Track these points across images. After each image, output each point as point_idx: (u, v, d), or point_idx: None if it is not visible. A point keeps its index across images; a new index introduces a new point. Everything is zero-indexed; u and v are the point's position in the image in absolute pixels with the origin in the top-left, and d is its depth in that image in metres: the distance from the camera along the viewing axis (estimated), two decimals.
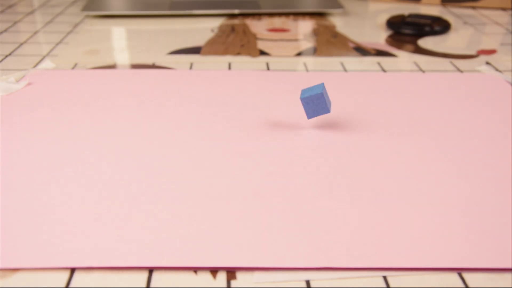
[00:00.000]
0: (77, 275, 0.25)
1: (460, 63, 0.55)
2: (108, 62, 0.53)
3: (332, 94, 0.46)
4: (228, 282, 0.25)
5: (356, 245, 0.27)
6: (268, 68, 0.52)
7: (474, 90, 0.47)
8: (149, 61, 0.54)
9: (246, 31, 0.65)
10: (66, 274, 0.25)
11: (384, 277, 0.25)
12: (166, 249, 0.27)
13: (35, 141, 0.37)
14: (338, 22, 0.70)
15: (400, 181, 0.33)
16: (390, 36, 0.64)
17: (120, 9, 0.71)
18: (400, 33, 0.65)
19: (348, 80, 0.49)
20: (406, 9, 0.76)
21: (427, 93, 0.46)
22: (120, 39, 0.61)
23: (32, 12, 0.73)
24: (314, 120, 0.41)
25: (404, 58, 0.56)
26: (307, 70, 0.52)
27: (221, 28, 0.66)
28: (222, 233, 0.28)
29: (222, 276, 0.25)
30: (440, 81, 0.49)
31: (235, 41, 0.61)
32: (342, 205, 0.30)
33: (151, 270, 0.26)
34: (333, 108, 0.43)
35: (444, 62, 0.55)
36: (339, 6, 0.73)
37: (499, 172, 0.34)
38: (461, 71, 0.52)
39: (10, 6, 0.76)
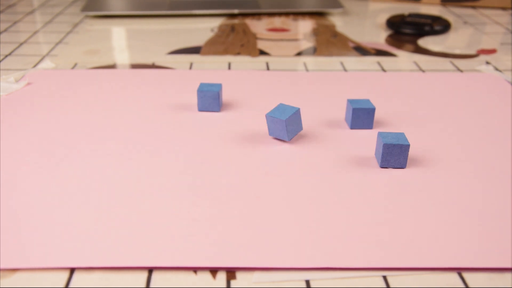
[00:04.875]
0: (76, 275, 0.25)
1: (460, 62, 0.55)
2: (108, 62, 0.53)
3: (332, 94, 0.46)
4: (228, 282, 0.25)
5: (356, 245, 0.27)
6: (268, 68, 0.52)
7: (474, 89, 0.47)
8: (149, 61, 0.54)
9: (246, 30, 0.65)
10: (66, 274, 0.25)
11: (384, 277, 0.25)
12: (165, 249, 0.27)
13: (35, 141, 0.37)
14: (338, 21, 0.70)
15: (399, 181, 0.33)
16: (390, 36, 0.64)
17: (120, 9, 0.71)
18: (400, 32, 0.65)
19: (348, 80, 0.49)
20: (406, 9, 0.76)
21: (427, 93, 0.46)
22: (120, 39, 0.61)
23: (32, 12, 0.73)
24: (313, 120, 0.41)
25: (404, 57, 0.56)
26: (307, 70, 0.52)
27: (221, 28, 0.66)
28: (221, 233, 0.28)
29: (221, 276, 0.25)
30: (440, 81, 0.49)
31: (235, 41, 0.61)
32: (341, 205, 0.30)
33: (150, 270, 0.26)
34: (333, 108, 0.43)
35: (444, 62, 0.55)
36: (339, 5, 0.73)
37: (499, 172, 0.34)
38: (461, 71, 0.52)
39: (10, 6, 0.76)
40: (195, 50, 0.57)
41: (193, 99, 0.44)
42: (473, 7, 0.77)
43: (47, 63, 0.52)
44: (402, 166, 0.34)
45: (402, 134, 0.34)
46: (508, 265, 0.26)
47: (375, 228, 0.28)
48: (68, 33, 0.63)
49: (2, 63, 0.53)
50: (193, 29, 0.65)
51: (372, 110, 0.38)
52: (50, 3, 0.79)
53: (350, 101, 0.39)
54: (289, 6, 0.74)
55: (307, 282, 0.25)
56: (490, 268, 0.26)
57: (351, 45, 0.60)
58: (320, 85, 0.48)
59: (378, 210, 0.30)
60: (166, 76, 0.49)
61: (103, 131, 0.38)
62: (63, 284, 0.25)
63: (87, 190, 0.31)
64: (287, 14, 0.73)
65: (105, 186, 0.32)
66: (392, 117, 0.42)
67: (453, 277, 0.25)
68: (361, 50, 0.58)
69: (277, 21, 0.69)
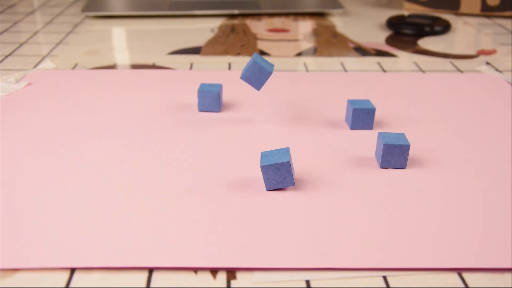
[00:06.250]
0: (77, 275, 0.25)
1: (460, 63, 0.55)
2: (108, 62, 0.53)
3: (332, 95, 0.46)
4: (228, 282, 0.25)
5: (356, 245, 0.27)
6: None
7: (474, 90, 0.47)
8: (149, 61, 0.54)
9: (246, 31, 0.65)
10: (66, 274, 0.25)
11: (384, 277, 0.25)
12: (166, 249, 0.27)
13: (35, 141, 0.37)
14: (338, 22, 0.70)
15: (399, 181, 0.33)
16: (390, 36, 0.64)
17: (120, 9, 0.71)
18: (400, 33, 0.65)
19: (348, 80, 0.49)
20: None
21: (427, 94, 0.46)
22: (120, 39, 0.61)
23: (32, 12, 0.73)
24: (313, 121, 0.41)
25: (404, 58, 0.56)
26: (307, 70, 0.52)
27: (221, 28, 0.66)
28: (222, 233, 0.28)
29: (222, 276, 0.25)
30: (440, 81, 0.49)
31: (235, 41, 0.61)
32: (341, 205, 0.30)
33: (151, 270, 0.26)
34: (333, 108, 0.43)
35: (444, 62, 0.55)
36: (339, 6, 0.73)
37: (499, 172, 0.34)
38: (461, 71, 0.52)
39: (10, 6, 0.76)
40: (195, 51, 0.57)
41: (193, 99, 0.44)
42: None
43: (47, 64, 0.52)
44: (402, 166, 0.34)
45: (402, 135, 0.34)
46: (508, 265, 0.26)
47: (375, 228, 0.28)
48: (69, 33, 0.63)
49: (2, 63, 0.53)
50: (193, 29, 0.65)
51: (372, 110, 0.39)
52: (51, 3, 0.79)
53: (350, 102, 0.39)
54: (289, 6, 0.74)
55: (307, 282, 0.25)
56: (490, 268, 0.26)
57: (351, 45, 0.60)
58: (320, 86, 0.48)
59: (378, 210, 0.30)
60: (166, 76, 0.49)
61: (103, 131, 0.38)
62: (63, 284, 0.25)
63: (87, 190, 0.31)
64: (287, 14, 0.73)
65: (105, 186, 0.32)
66: (392, 117, 0.42)
67: (453, 277, 0.25)
68: (361, 51, 0.58)
69: (277, 22, 0.69)
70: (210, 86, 0.41)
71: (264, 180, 0.31)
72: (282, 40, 0.61)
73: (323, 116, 0.42)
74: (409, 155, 0.36)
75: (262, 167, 0.31)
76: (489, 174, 0.34)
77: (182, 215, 0.29)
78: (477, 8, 0.73)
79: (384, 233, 0.28)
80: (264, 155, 0.32)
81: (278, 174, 0.31)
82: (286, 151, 0.32)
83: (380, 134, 0.34)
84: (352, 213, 0.30)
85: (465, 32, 0.65)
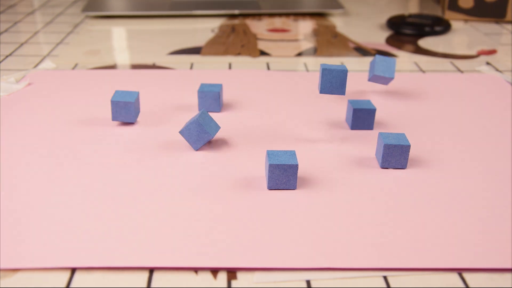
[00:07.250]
0: (77, 275, 0.25)
1: (460, 63, 0.55)
2: (108, 62, 0.53)
3: (332, 95, 0.46)
4: (229, 282, 0.25)
5: (356, 245, 0.27)
6: (268, 68, 0.52)
7: (474, 90, 0.47)
8: (149, 61, 0.54)
9: (246, 31, 0.65)
10: (67, 274, 0.25)
11: (384, 277, 0.25)
12: (166, 249, 0.27)
13: (35, 141, 0.37)
14: (338, 22, 0.70)
15: (399, 182, 0.33)
16: (390, 36, 0.64)
17: (120, 9, 0.71)
18: (400, 33, 0.65)
19: (348, 80, 0.49)
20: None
21: (427, 94, 0.46)
22: (120, 39, 0.61)
23: (32, 12, 0.73)
24: (313, 121, 0.41)
25: (404, 58, 0.56)
26: (307, 70, 0.52)
27: (221, 28, 0.66)
28: (222, 233, 0.28)
29: (222, 276, 0.25)
30: (440, 81, 0.49)
31: (236, 41, 0.61)
32: (342, 205, 0.30)
33: (151, 270, 0.26)
34: (334, 108, 0.43)
35: (444, 62, 0.55)
36: (339, 6, 0.73)
37: (499, 172, 0.34)
38: (461, 71, 0.52)
39: (11, 6, 0.76)
40: (195, 51, 0.57)
41: (193, 99, 0.44)
42: None
43: (47, 64, 0.52)
44: (402, 166, 0.34)
45: (402, 135, 0.34)
46: (508, 266, 0.26)
47: (376, 228, 0.28)
48: (69, 33, 0.63)
49: (2, 63, 0.53)
50: (193, 29, 0.65)
51: (373, 110, 0.39)
52: (51, 3, 0.79)
53: (351, 102, 0.39)
54: (289, 6, 0.74)
55: (308, 282, 0.25)
56: (490, 268, 0.26)
57: (352, 45, 0.60)
58: None
59: (378, 210, 0.30)
60: (166, 76, 0.49)
61: (103, 131, 0.39)
62: (64, 284, 0.25)
63: (88, 190, 0.31)
64: (287, 14, 0.73)
65: (106, 186, 0.32)
66: (392, 117, 0.42)
67: (454, 277, 0.25)
68: (362, 51, 0.58)
69: (278, 22, 0.69)
70: (210, 86, 0.41)
71: (268, 178, 0.31)
72: (282, 40, 0.61)
73: (323, 116, 0.42)
74: (409, 155, 0.36)
75: (270, 165, 0.31)
76: (489, 174, 0.34)
77: (182, 215, 0.29)
78: None
79: (384, 233, 0.28)
80: (271, 154, 0.32)
81: (284, 175, 0.31)
82: (293, 154, 0.32)
83: (380, 134, 0.34)
84: (352, 213, 0.30)
85: (465, 32, 0.65)
